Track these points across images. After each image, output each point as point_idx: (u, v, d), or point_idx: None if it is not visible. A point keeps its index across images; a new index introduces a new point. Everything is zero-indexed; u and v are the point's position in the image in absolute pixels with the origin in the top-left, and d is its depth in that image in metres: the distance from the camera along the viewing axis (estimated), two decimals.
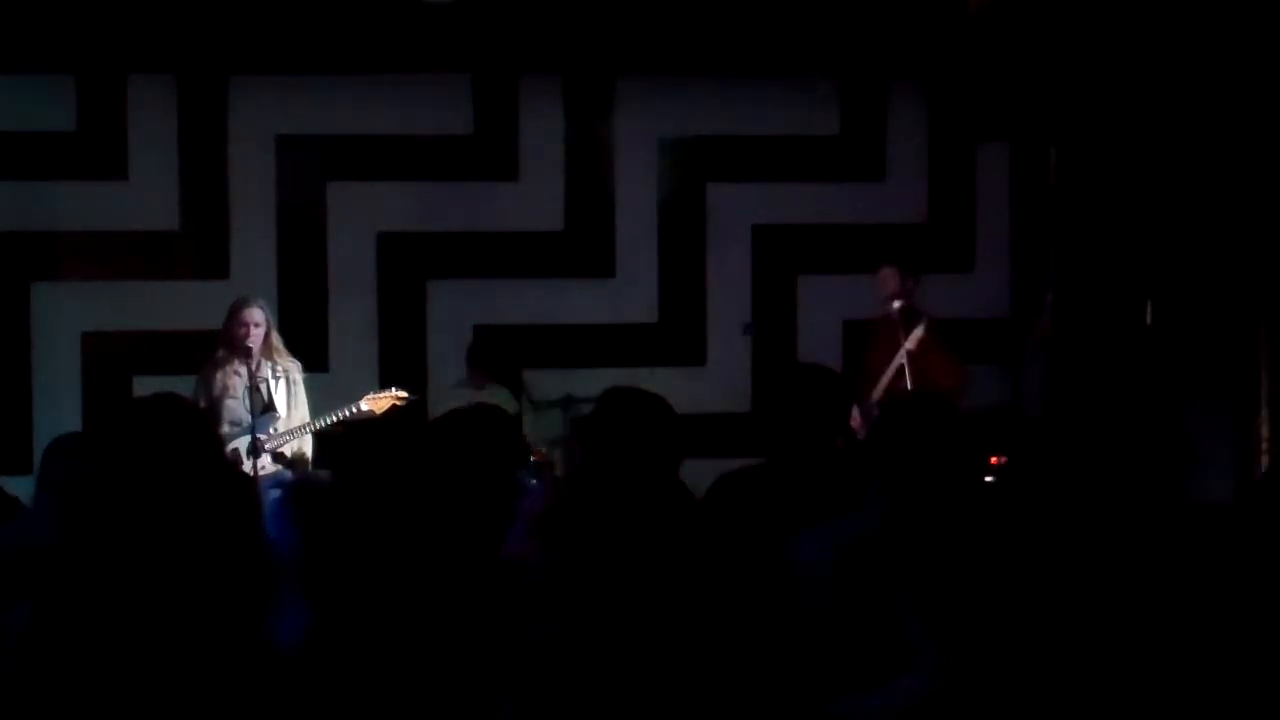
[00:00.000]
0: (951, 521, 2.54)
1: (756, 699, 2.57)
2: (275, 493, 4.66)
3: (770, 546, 3.26)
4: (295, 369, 7.17)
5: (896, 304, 7.79)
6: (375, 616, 2.91)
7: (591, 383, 7.90)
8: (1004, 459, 6.72)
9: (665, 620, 2.45)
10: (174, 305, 8.51)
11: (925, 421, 3.29)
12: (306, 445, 7.13)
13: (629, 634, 2.34)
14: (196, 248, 8.65)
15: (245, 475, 6.47)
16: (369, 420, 6.87)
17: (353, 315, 8.76)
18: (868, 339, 8.02)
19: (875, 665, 2.66)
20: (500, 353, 8.43)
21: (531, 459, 7.73)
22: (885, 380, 7.53)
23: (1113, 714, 2.98)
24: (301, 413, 7.11)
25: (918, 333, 7.61)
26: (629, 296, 8.97)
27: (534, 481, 7.55)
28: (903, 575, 2.56)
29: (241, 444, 6.86)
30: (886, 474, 3.22)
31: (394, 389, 7.42)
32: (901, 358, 7.52)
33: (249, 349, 6.93)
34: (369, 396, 7.32)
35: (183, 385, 6.66)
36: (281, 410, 7.01)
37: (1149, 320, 7.84)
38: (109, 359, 8.53)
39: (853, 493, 3.36)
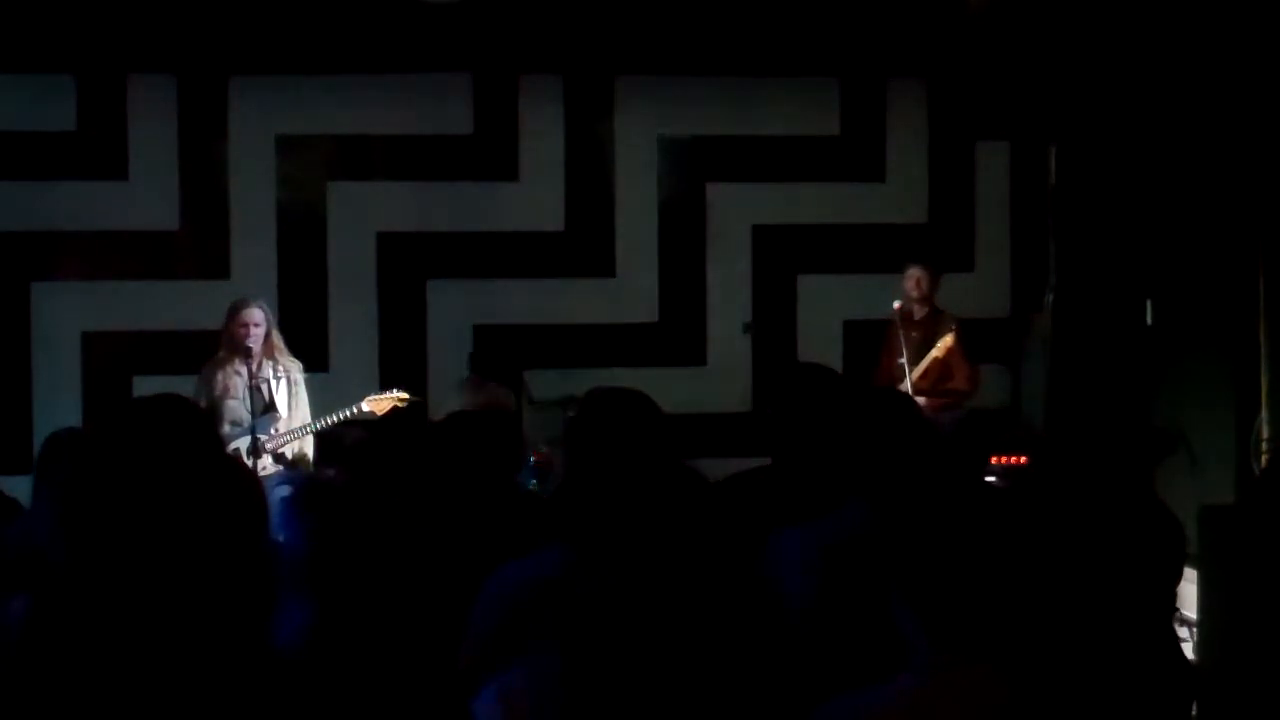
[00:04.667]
0: (938, 518, 2.54)
1: (750, 700, 2.57)
2: (284, 490, 4.65)
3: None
4: (296, 369, 7.16)
5: (897, 304, 7.79)
6: (380, 616, 2.92)
7: (592, 383, 7.91)
8: (1016, 459, 6.74)
9: (666, 621, 2.44)
10: (174, 305, 8.51)
11: (891, 420, 3.30)
12: (308, 446, 7.13)
13: (632, 635, 2.34)
14: (196, 248, 8.65)
15: (251, 473, 6.47)
16: (374, 421, 6.88)
17: (353, 315, 8.76)
18: (884, 340, 8.02)
19: (867, 664, 2.66)
20: (501, 354, 8.42)
21: (532, 460, 7.73)
22: (909, 380, 7.52)
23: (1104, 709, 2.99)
24: (302, 413, 7.11)
25: (947, 339, 7.61)
26: (629, 296, 8.97)
27: (533, 482, 7.58)
28: (889, 573, 2.56)
29: (242, 444, 6.85)
30: (863, 473, 3.23)
31: (395, 390, 7.42)
32: (926, 359, 7.53)
33: (249, 349, 6.92)
34: (370, 398, 7.32)
35: (183, 385, 6.66)
36: (283, 411, 7.01)
37: (1149, 320, 7.84)
38: (109, 359, 8.53)
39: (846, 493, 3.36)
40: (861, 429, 3.32)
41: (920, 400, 7.10)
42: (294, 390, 7.10)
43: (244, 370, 6.94)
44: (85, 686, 2.18)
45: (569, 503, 2.87)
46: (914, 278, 7.87)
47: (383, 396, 7.34)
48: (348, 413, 7.05)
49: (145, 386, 8.08)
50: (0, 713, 2.27)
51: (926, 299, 7.87)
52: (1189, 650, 5.19)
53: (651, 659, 2.32)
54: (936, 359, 7.61)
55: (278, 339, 7.11)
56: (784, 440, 3.76)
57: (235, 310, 7.07)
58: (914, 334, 7.69)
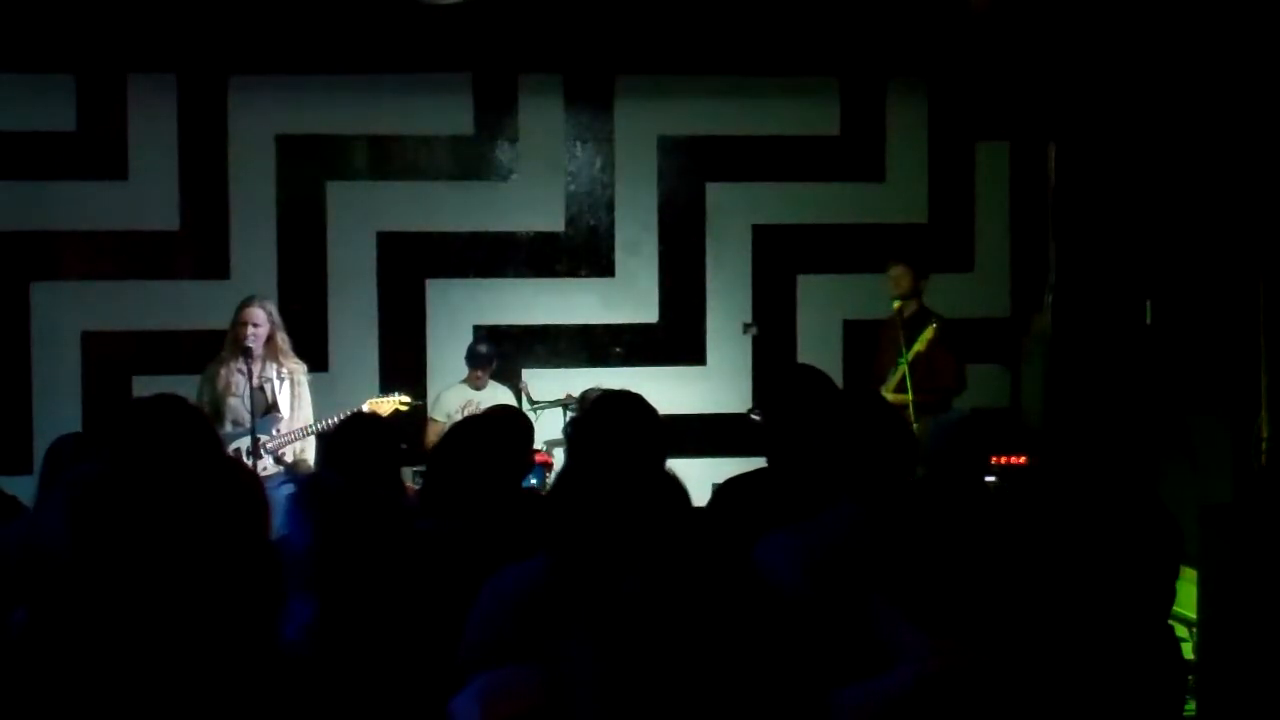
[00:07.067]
0: (928, 518, 2.55)
1: (756, 697, 2.57)
2: (289, 488, 4.64)
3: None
4: (300, 371, 7.16)
5: (897, 303, 7.79)
6: (382, 613, 2.92)
7: (591, 383, 7.95)
8: (1017, 459, 6.75)
9: (666, 623, 2.44)
10: (174, 305, 8.52)
11: (871, 422, 3.29)
12: (309, 448, 7.12)
13: (634, 639, 2.34)
14: (196, 248, 8.65)
15: (251, 473, 6.46)
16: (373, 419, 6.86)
17: (353, 315, 8.76)
18: (876, 339, 8.02)
19: (858, 664, 2.67)
20: (500, 353, 8.43)
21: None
22: (892, 380, 7.52)
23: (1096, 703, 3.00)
24: (304, 415, 7.10)
25: (928, 333, 7.61)
26: (629, 296, 8.98)
27: (533, 481, 7.58)
28: (880, 572, 2.57)
29: (243, 444, 6.85)
30: (849, 475, 3.22)
31: (397, 393, 7.42)
32: (910, 354, 7.53)
33: (248, 349, 6.92)
34: (372, 400, 7.31)
35: (182, 385, 6.64)
36: (284, 412, 7.00)
37: (1149, 320, 7.84)
38: (109, 359, 8.53)
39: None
40: (845, 431, 3.32)
41: (908, 397, 7.13)
42: (297, 392, 7.10)
43: (246, 369, 6.94)
44: (92, 683, 2.18)
45: (557, 506, 2.88)
46: (893, 276, 7.86)
47: (384, 399, 7.34)
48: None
49: (145, 386, 8.08)
50: (9, 712, 2.28)
51: (908, 297, 7.84)
52: (1189, 650, 5.20)
53: (652, 661, 2.32)
54: (919, 353, 7.60)
55: (283, 341, 7.10)
56: (773, 443, 3.77)
57: (238, 309, 7.09)
58: (901, 333, 7.67)
